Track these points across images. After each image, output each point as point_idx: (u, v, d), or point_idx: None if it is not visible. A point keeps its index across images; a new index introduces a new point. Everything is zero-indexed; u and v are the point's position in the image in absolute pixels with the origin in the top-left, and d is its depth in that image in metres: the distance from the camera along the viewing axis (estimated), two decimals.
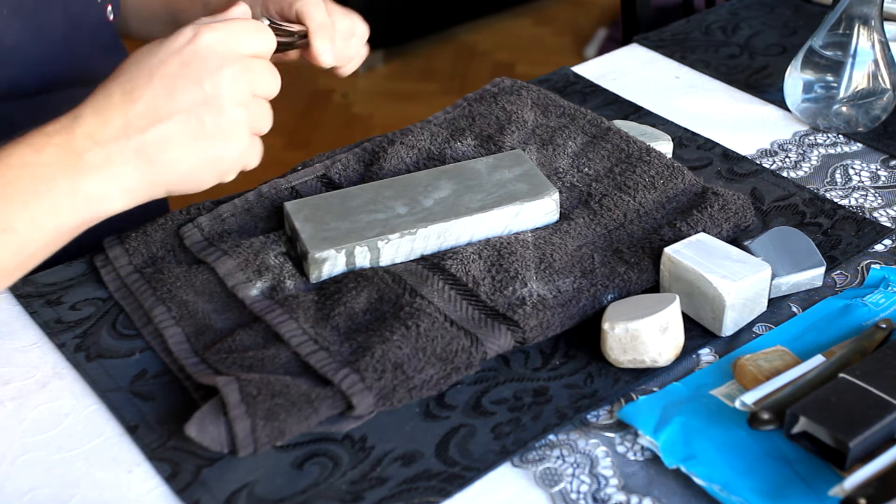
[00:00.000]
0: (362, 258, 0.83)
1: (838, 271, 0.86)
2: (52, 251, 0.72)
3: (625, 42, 1.32)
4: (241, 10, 0.78)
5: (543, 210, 0.87)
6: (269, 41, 0.75)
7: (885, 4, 1.12)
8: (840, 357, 0.74)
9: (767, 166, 0.99)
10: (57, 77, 0.96)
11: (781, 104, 1.08)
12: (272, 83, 0.74)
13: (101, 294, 0.84)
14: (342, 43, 0.89)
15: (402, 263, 0.83)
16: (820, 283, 0.84)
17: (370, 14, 1.04)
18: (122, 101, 0.70)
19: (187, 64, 0.71)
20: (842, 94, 1.02)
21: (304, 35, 0.87)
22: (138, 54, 0.73)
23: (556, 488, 0.68)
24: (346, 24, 0.91)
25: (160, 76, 0.71)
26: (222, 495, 0.68)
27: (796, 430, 0.68)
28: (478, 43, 3.15)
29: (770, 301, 0.82)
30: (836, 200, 0.94)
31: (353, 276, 0.81)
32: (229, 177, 0.74)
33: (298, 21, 0.87)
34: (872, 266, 0.86)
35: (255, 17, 0.82)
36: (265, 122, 0.74)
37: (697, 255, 0.79)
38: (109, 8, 1.02)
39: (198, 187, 0.73)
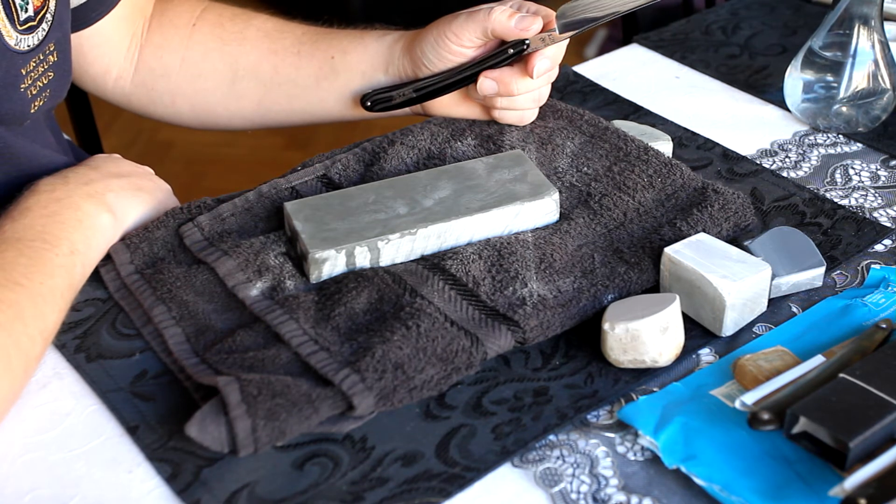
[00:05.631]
0: (362, 258, 0.83)
1: (838, 271, 0.86)
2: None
3: (625, 42, 1.32)
4: None
5: (543, 210, 0.87)
6: None
7: (885, 4, 1.11)
8: (840, 357, 0.74)
9: (767, 166, 0.99)
10: None
11: (781, 104, 1.08)
12: None
13: (101, 294, 0.84)
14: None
15: (402, 263, 0.83)
16: (820, 283, 0.84)
17: (370, 16, 1.04)
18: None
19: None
20: (842, 94, 1.02)
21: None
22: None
23: (557, 488, 0.68)
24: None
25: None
26: (223, 495, 0.68)
27: (796, 430, 0.68)
28: None
29: (770, 301, 0.82)
30: (836, 200, 0.94)
31: (354, 277, 0.81)
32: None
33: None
34: (872, 266, 0.86)
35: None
36: None
37: (697, 255, 0.79)
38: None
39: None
